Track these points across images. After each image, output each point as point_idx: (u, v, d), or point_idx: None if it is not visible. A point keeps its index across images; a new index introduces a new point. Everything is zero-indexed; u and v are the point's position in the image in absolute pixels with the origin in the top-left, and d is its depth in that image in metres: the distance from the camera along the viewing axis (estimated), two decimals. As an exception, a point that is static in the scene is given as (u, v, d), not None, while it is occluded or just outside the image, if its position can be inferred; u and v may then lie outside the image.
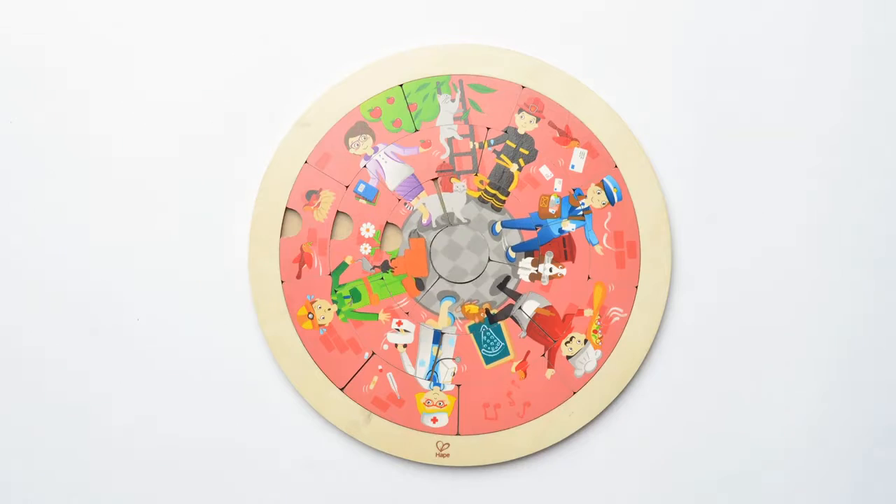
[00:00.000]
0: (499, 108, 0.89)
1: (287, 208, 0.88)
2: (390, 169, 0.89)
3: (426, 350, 0.88)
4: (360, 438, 0.88)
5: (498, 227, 0.89)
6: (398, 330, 0.88)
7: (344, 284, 0.88)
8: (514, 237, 0.89)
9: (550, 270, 0.88)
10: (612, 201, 0.89)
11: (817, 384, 0.90)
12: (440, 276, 0.88)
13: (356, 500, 0.89)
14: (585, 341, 0.88)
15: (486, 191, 0.89)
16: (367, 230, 0.89)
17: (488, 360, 0.88)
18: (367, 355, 0.88)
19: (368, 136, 0.89)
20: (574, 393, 0.88)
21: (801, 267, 0.90)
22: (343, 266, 0.88)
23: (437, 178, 0.89)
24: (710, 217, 0.90)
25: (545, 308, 0.88)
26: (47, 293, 0.89)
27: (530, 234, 0.89)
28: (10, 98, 0.90)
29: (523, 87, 0.89)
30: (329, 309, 0.88)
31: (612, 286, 0.88)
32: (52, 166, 0.90)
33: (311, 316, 0.88)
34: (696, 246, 0.90)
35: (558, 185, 0.89)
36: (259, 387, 0.89)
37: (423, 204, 0.89)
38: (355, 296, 0.88)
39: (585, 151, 0.89)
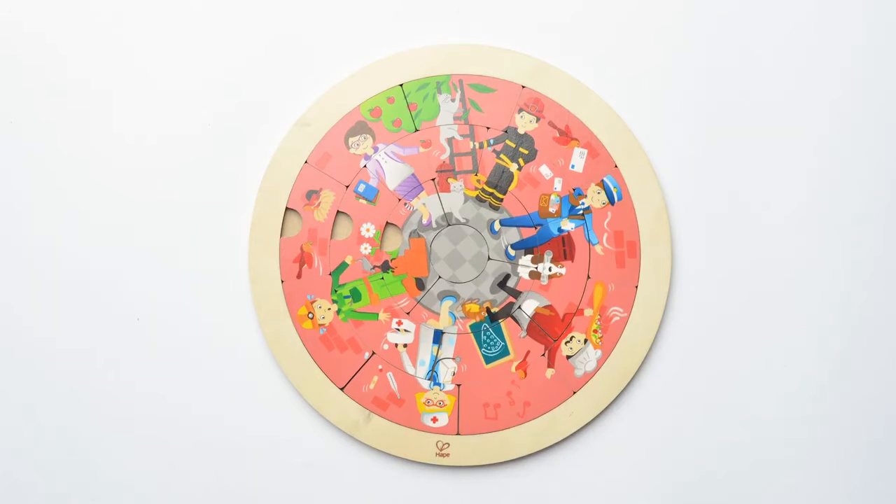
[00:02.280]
0: (499, 108, 0.89)
1: (287, 208, 0.89)
2: (390, 169, 0.89)
3: (426, 350, 0.88)
4: (360, 438, 0.88)
5: (497, 226, 0.89)
6: (398, 330, 0.88)
7: (344, 284, 0.88)
8: (513, 235, 0.89)
9: (549, 270, 0.88)
10: (612, 201, 0.89)
11: (818, 384, 0.90)
12: (440, 277, 0.89)
13: (356, 500, 0.89)
14: (585, 341, 0.88)
15: (483, 189, 0.89)
16: (368, 230, 0.89)
17: (488, 360, 0.88)
18: (367, 355, 0.88)
19: (368, 135, 0.89)
20: (574, 393, 0.88)
21: (801, 267, 0.90)
22: (343, 266, 0.88)
23: (434, 179, 0.89)
24: (710, 217, 0.90)
25: (545, 307, 0.88)
26: (47, 293, 0.89)
27: (529, 232, 0.89)
28: (9, 97, 0.90)
29: (523, 87, 0.89)
30: (329, 309, 0.88)
31: (612, 286, 0.88)
32: (52, 167, 0.90)
33: (311, 316, 0.88)
34: (696, 246, 0.90)
35: (558, 185, 0.89)
36: (259, 386, 0.89)
37: (424, 204, 0.89)
38: (355, 295, 0.88)
39: (585, 151, 0.89)
